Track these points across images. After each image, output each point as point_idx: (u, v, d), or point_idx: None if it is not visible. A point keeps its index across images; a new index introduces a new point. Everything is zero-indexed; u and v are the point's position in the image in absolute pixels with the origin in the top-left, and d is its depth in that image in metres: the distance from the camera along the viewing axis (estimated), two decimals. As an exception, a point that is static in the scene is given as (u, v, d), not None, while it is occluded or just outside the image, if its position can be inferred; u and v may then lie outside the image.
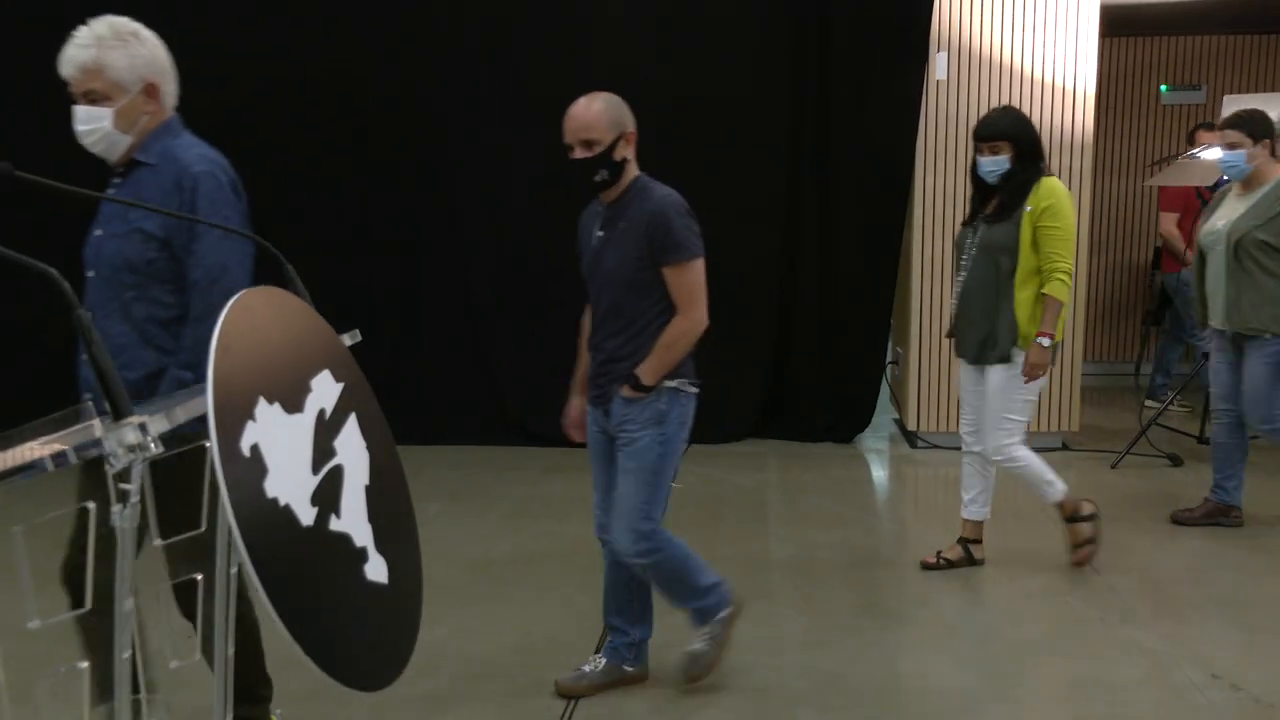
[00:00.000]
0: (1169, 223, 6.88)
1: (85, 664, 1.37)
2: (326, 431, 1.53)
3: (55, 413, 1.37)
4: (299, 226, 5.84)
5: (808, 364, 6.39)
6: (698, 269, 2.95)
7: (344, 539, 1.49)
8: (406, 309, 6.33)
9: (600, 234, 3.05)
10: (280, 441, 1.39)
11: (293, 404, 1.46)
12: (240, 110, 6.08)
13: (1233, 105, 5.88)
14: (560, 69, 6.10)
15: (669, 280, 2.91)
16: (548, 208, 6.28)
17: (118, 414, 1.20)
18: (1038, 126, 5.95)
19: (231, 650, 1.62)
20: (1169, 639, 3.56)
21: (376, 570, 1.55)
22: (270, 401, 1.40)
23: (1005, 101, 6.00)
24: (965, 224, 4.15)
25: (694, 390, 3.08)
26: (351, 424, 1.61)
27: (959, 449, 6.11)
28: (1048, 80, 5.98)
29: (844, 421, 6.42)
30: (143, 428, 1.20)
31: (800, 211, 6.29)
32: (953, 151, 6.06)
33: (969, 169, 4.15)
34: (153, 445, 1.22)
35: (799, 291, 6.34)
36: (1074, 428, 6.19)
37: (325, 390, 1.56)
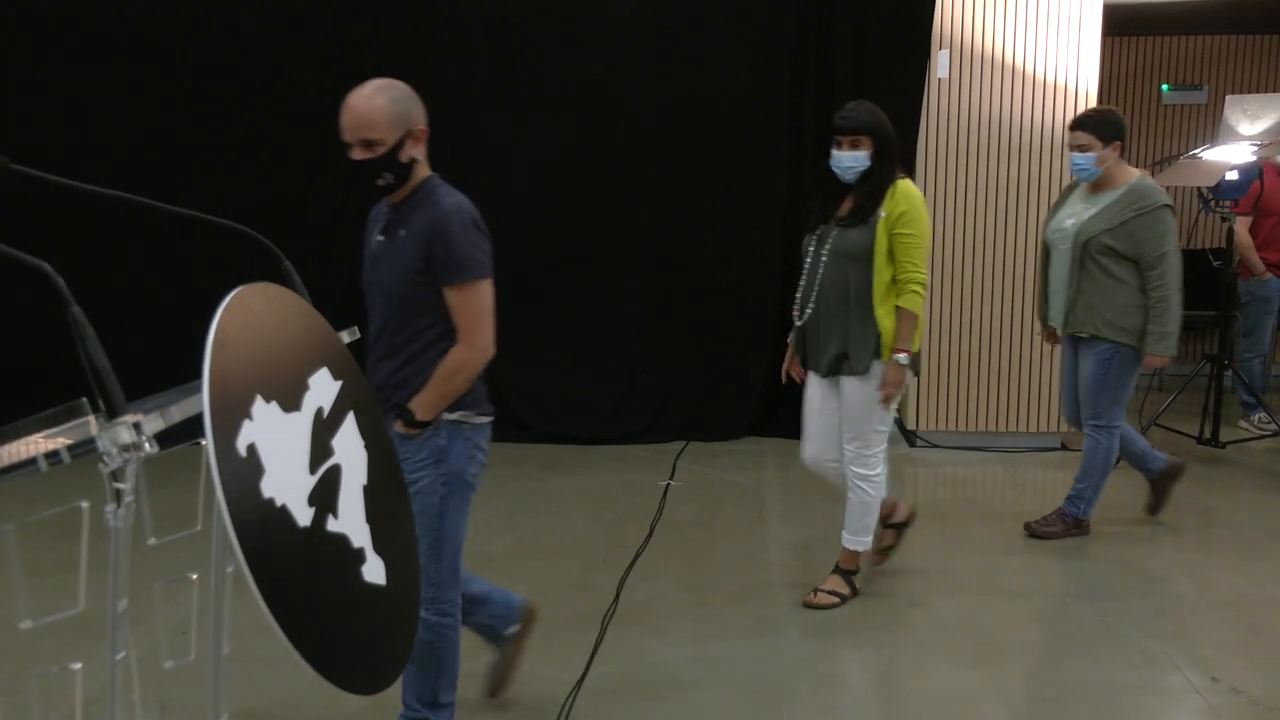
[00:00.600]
0: (1242, 228, 6.43)
1: (78, 665, 1.35)
2: (324, 430, 1.51)
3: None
4: (296, 222, 5.81)
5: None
6: (482, 292, 2.57)
7: (341, 539, 1.47)
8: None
9: (380, 239, 2.66)
10: (277, 440, 1.37)
11: (290, 402, 1.44)
12: (239, 103, 6.06)
13: (1235, 105, 5.87)
14: (559, 66, 6.08)
15: (449, 302, 2.53)
16: (546, 204, 6.26)
17: (112, 412, 1.18)
18: (1040, 125, 6.03)
19: (226, 650, 1.60)
20: (1169, 641, 3.54)
21: (374, 571, 1.53)
22: (268, 400, 1.38)
23: (1009, 101, 6.00)
24: (811, 229, 3.83)
25: (482, 421, 2.70)
26: (350, 423, 1.59)
27: (958, 448, 6.14)
28: (1050, 79, 5.96)
29: (843, 420, 6.40)
30: (137, 427, 1.18)
31: (801, 209, 6.25)
32: (954, 150, 6.04)
33: (823, 170, 3.78)
34: (147, 445, 1.20)
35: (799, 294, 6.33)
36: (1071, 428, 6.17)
37: (323, 388, 1.54)
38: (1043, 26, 5.94)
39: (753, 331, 6.34)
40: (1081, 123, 4.35)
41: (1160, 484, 4.81)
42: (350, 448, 1.57)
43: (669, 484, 5.46)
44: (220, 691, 1.58)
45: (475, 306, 2.55)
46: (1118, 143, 4.30)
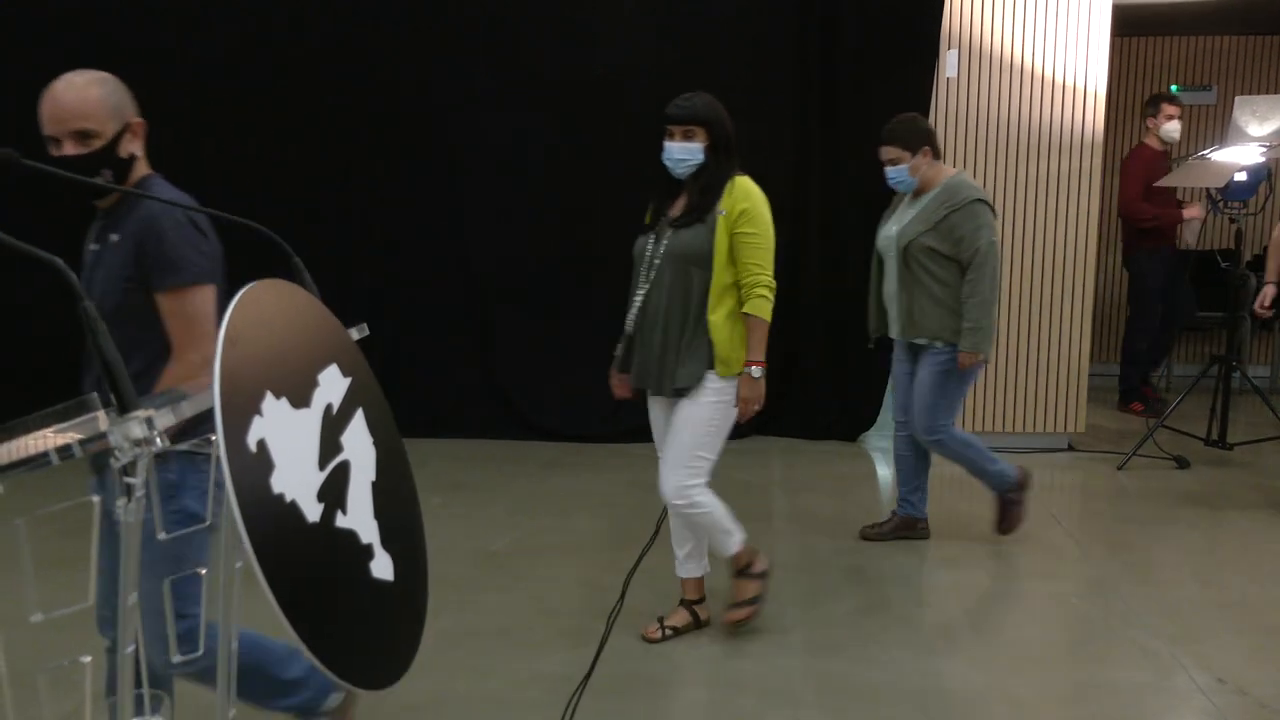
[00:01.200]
0: None
1: (88, 658, 1.36)
2: (333, 426, 1.52)
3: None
4: (303, 219, 5.82)
5: (813, 362, 6.38)
6: (199, 298, 2.25)
7: (350, 535, 1.47)
8: (409, 302, 6.31)
9: (94, 248, 2.36)
10: (287, 436, 1.37)
11: (300, 398, 1.44)
12: (242, 103, 6.07)
13: (1243, 106, 5.85)
14: (565, 65, 6.08)
15: (161, 309, 2.23)
16: (546, 203, 6.26)
17: (123, 407, 1.19)
18: (1048, 124, 6.02)
19: (235, 645, 1.60)
20: (1175, 642, 3.54)
21: (383, 567, 1.53)
22: (278, 396, 1.38)
23: (1017, 101, 5.99)
24: (645, 229, 3.50)
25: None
26: (359, 419, 1.59)
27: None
28: (1058, 79, 5.96)
29: (849, 419, 6.41)
30: (149, 422, 1.19)
31: (807, 208, 6.27)
32: (963, 149, 6.03)
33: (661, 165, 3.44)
34: (158, 440, 1.20)
35: (805, 289, 6.32)
36: (1080, 429, 6.17)
37: (333, 385, 1.55)
38: (1052, 26, 5.93)
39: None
40: (887, 137, 4.28)
41: (1008, 500, 4.49)
42: (359, 444, 1.57)
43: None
44: (229, 686, 1.59)
45: (189, 313, 2.23)
46: (926, 148, 4.23)
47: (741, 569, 3.58)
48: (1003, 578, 4.16)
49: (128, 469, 1.28)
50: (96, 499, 1.31)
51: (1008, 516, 4.50)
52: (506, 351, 6.36)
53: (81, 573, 1.43)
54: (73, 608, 1.30)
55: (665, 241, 3.37)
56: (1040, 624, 3.75)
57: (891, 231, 4.35)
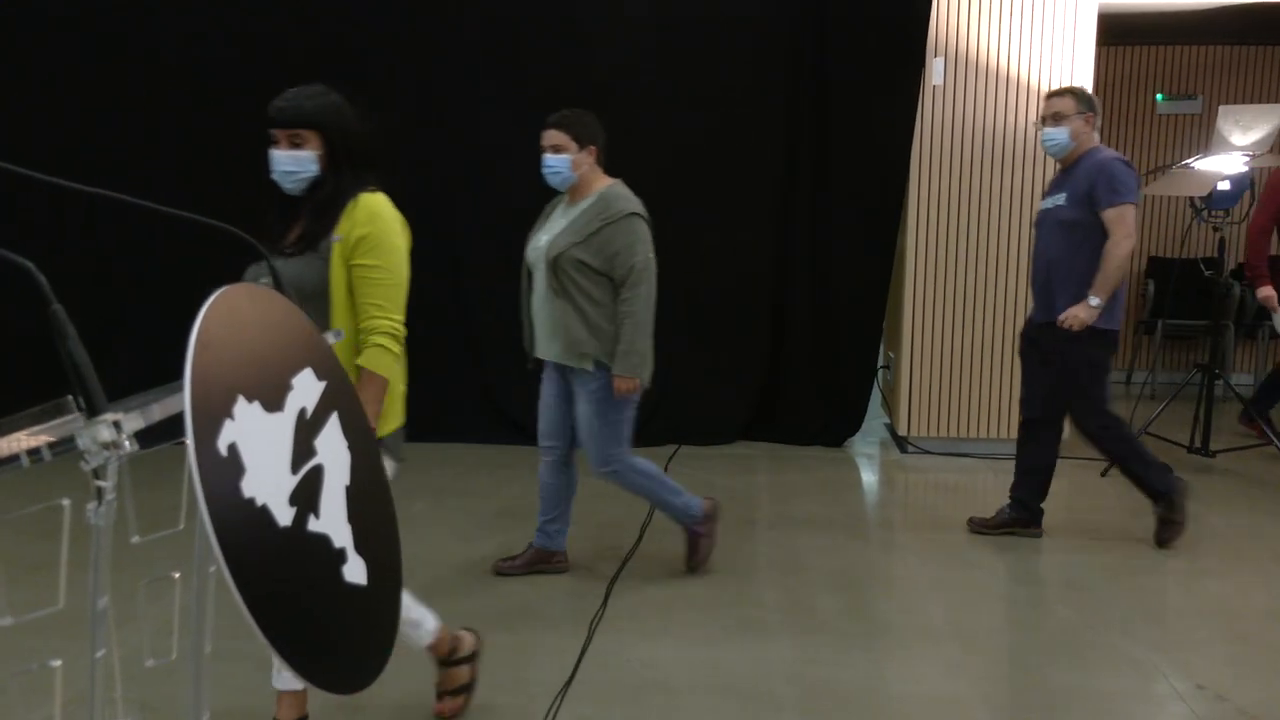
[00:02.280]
0: None
1: (58, 662, 1.35)
2: (307, 430, 1.52)
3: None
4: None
5: (799, 367, 6.40)
6: None
7: (323, 540, 1.47)
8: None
9: None
10: (259, 440, 1.37)
11: (273, 402, 1.44)
12: (234, 103, 6.06)
13: (1227, 116, 5.88)
14: (559, 66, 6.09)
15: None
16: (543, 205, 6.26)
17: (92, 410, 1.19)
18: (1033, 134, 6.05)
19: (208, 649, 1.60)
20: (1155, 648, 3.55)
21: (355, 571, 1.53)
22: (250, 400, 1.38)
23: (1003, 109, 6.02)
24: (260, 256, 2.79)
25: None
26: (333, 423, 1.60)
27: (949, 454, 6.16)
28: (1045, 87, 5.98)
29: (835, 425, 6.42)
30: (117, 425, 1.19)
31: (794, 215, 6.29)
32: (948, 157, 6.05)
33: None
34: (127, 443, 1.20)
35: (792, 295, 6.35)
36: (1064, 436, 6.18)
37: (307, 389, 1.55)
38: (1038, 34, 5.96)
39: (745, 336, 6.36)
40: (556, 121, 3.89)
41: (695, 533, 4.24)
42: (333, 448, 1.57)
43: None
44: (202, 690, 1.58)
45: None
46: (594, 147, 3.90)
47: (445, 658, 3.04)
48: (984, 584, 4.17)
49: (98, 472, 1.28)
50: (66, 502, 1.31)
51: (696, 550, 4.22)
52: (495, 353, 6.34)
53: (53, 576, 1.42)
54: (43, 611, 1.30)
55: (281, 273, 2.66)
56: (1022, 630, 3.76)
57: (541, 242, 3.93)
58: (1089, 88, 5.98)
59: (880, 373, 6.82)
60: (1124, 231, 4.27)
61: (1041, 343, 4.57)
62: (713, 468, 5.87)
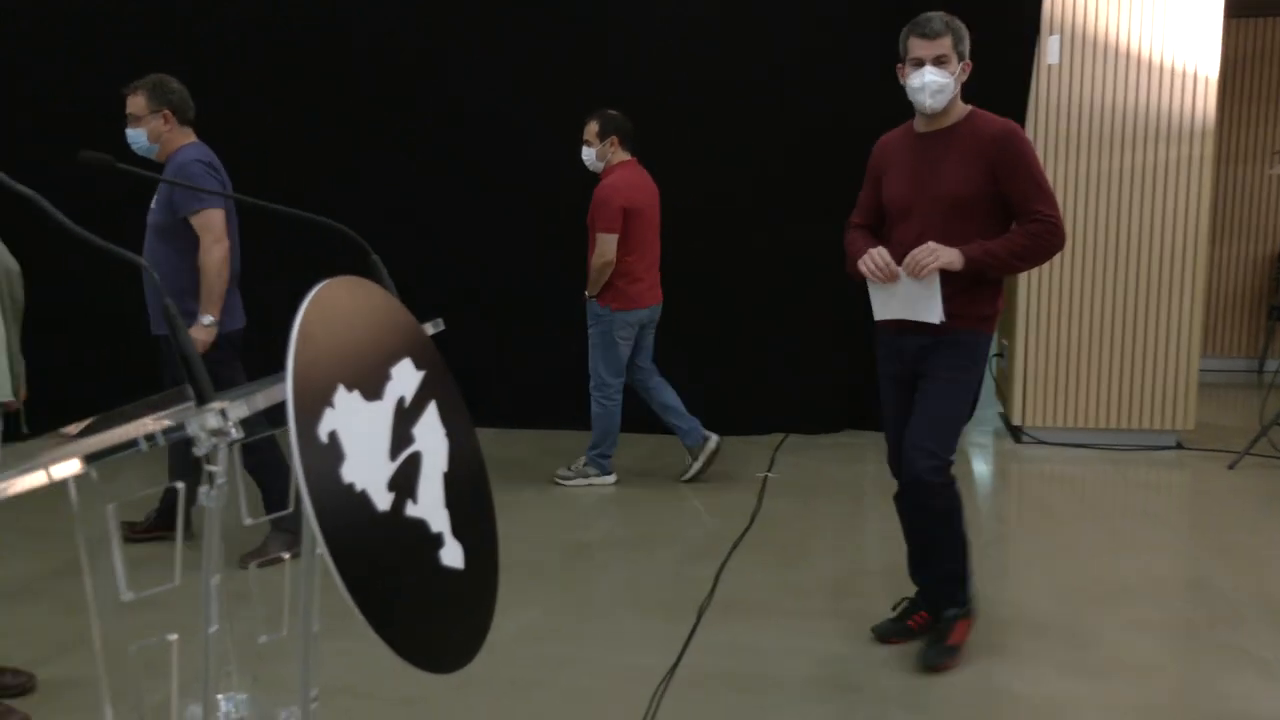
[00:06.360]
0: None
1: (174, 636, 1.43)
2: (406, 418, 1.57)
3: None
4: (387, 219, 5.95)
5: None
6: None
7: (420, 524, 1.52)
8: (515, 301, 6.40)
9: None
10: (358, 428, 1.43)
11: (372, 391, 1.49)
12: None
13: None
14: (635, 60, 6.08)
15: None
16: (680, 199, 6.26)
17: (201, 399, 1.25)
18: (1156, 112, 5.82)
19: (316, 627, 1.67)
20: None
21: (453, 555, 1.58)
22: (350, 389, 1.44)
23: (1123, 88, 5.81)
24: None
25: None
26: (431, 411, 1.64)
27: (1066, 445, 5.99)
28: (1167, 64, 5.76)
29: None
30: (223, 413, 1.25)
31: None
32: (1064, 139, 5.88)
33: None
34: (233, 430, 1.27)
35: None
36: (1189, 425, 5.96)
37: (406, 378, 1.60)
38: (1160, 9, 5.73)
39: (850, 321, 6.28)
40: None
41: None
42: (431, 435, 1.62)
43: (767, 476, 5.45)
44: (310, 667, 1.65)
45: None
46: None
47: None
48: (1102, 581, 4.05)
49: (209, 457, 1.35)
50: (180, 485, 1.38)
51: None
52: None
53: (167, 556, 1.50)
54: (160, 588, 1.38)
55: None
56: (1142, 629, 3.64)
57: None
58: (1215, 63, 5.73)
59: (993, 360, 6.67)
60: None
61: None
62: (820, 456, 5.82)
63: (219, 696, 1.52)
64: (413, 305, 1.72)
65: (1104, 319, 5.96)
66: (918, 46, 3.35)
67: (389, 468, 1.48)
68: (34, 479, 1.23)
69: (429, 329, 1.76)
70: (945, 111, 3.35)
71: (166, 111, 3.98)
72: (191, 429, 1.25)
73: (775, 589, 3.95)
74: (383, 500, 1.44)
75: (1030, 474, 5.64)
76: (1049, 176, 5.91)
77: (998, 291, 3.28)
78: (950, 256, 3.08)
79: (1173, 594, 3.91)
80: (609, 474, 5.27)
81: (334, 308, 1.46)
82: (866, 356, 6.33)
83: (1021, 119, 5.85)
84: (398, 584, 1.42)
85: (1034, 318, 6.01)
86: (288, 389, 1.30)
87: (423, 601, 1.47)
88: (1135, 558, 4.26)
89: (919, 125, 3.41)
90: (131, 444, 1.34)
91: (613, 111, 5.11)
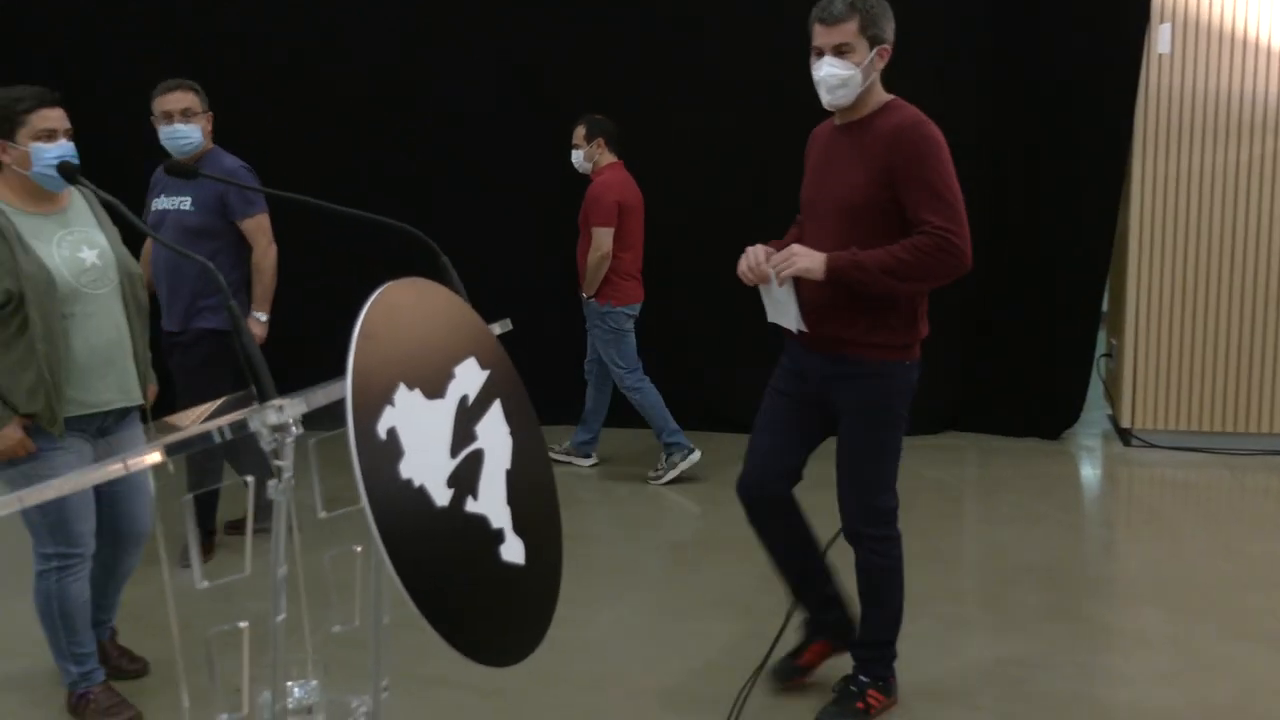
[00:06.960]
0: None
1: (245, 623, 1.49)
2: (468, 416, 1.60)
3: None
4: (454, 221, 6.02)
5: (1011, 354, 6.11)
6: None
7: (480, 520, 1.55)
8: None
9: None
10: (419, 425, 1.46)
11: (434, 390, 1.53)
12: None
13: None
14: (735, 62, 6.03)
15: None
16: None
17: (262, 397, 1.30)
18: (1272, 103, 5.55)
19: (386, 618, 1.72)
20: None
21: (513, 551, 1.61)
22: (410, 387, 1.48)
23: (1237, 78, 5.57)
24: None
25: None
26: (496, 409, 1.68)
27: (1178, 448, 5.76)
28: (1287, 50, 5.51)
29: (1050, 416, 6.11)
30: (281, 409, 1.30)
31: (1006, 192, 6.01)
32: (1175, 131, 5.66)
33: None
34: (293, 426, 1.32)
35: (1002, 276, 6.06)
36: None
37: (469, 377, 1.63)
38: (1280, -6, 5.49)
39: (951, 319, 6.13)
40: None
41: None
42: (494, 433, 1.65)
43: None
44: (380, 657, 1.70)
45: None
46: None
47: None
48: (1213, 592, 3.89)
49: (276, 452, 1.41)
50: (250, 479, 1.44)
51: None
52: (702, 341, 6.34)
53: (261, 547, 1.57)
54: (233, 576, 1.44)
55: None
56: (1250, 641, 3.49)
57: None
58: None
59: (1102, 361, 6.46)
60: None
61: None
62: (919, 458, 5.72)
63: (290, 683, 1.58)
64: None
65: (1219, 316, 5.72)
66: (816, 33, 2.83)
67: (449, 464, 1.51)
68: (113, 470, 1.30)
69: (496, 329, 1.80)
70: (857, 104, 2.84)
71: (210, 114, 4.09)
72: (254, 425, 1.31)
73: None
74: (442, 496, 1.47)
75: (1140, 479, 5.45)
76: (1157, 169, 5.70)
77: (916, 315, 2.93)
78: (810, 263, 2.71)
79: (1287, 604, 3.74)
80: (689, 448, 5.31)
81: (397, 308, 1.51)
82: (970, 354, 6.23)
83: (1131, 110, 5.66)
84: (454, 577, 1.46)
85: (1144, 316, 5.80)
86: (346, 387, 1.35)
87: (481, 595, 1.51)
88: (1250, 569, 4.09)
89: (836, 118, 2.97)
90: (206, 438, 1.40)
91: (598, 116, 5.23)
